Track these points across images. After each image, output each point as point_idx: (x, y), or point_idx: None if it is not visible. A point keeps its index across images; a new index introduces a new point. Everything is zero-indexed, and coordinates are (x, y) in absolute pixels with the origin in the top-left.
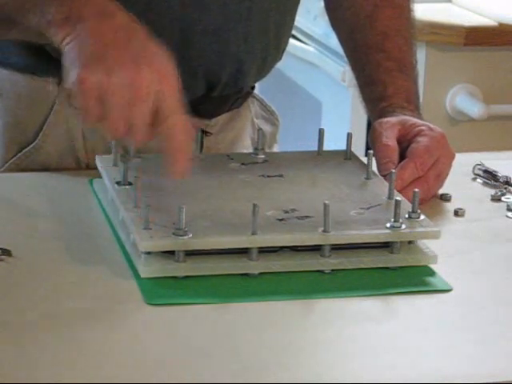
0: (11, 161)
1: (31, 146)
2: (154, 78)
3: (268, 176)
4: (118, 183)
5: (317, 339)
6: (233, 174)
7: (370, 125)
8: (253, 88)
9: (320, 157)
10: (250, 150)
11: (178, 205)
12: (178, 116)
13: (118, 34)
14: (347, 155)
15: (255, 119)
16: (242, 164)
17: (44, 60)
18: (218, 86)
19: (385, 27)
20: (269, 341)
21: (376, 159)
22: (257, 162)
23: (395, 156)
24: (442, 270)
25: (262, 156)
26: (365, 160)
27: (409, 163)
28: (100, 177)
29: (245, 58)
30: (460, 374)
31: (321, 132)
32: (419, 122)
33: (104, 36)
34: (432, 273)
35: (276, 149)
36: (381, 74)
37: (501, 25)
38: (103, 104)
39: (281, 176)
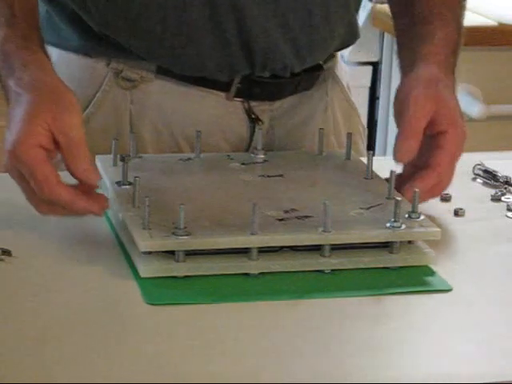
0: None
1: None
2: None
3: (268, 176)
4: (117, 183)
5: (316, 339)
6: (233, 173)
7: (370, 125)
8: (320, 68)
9: (320, 157)
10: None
11: (178, 204)
12: None
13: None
14: (347, 155)
15: (329, 105)
16: (242, 164)
17: (97, 41)
18: (256, 64)
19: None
20: (268, 341)
21: (397, 139)
22: (257, 162)
23: (416, 149)
24: (442, 270)
25: (262, 156)
26: (365, 160)
27: (431, 174)
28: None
29: (276, 34)
30: (460, 373)
31: (321, 132)
32: (451, 112)
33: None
34: (432, 273)
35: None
36: (433, 16)
37: (501, 25)
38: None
39: (281, 176)
